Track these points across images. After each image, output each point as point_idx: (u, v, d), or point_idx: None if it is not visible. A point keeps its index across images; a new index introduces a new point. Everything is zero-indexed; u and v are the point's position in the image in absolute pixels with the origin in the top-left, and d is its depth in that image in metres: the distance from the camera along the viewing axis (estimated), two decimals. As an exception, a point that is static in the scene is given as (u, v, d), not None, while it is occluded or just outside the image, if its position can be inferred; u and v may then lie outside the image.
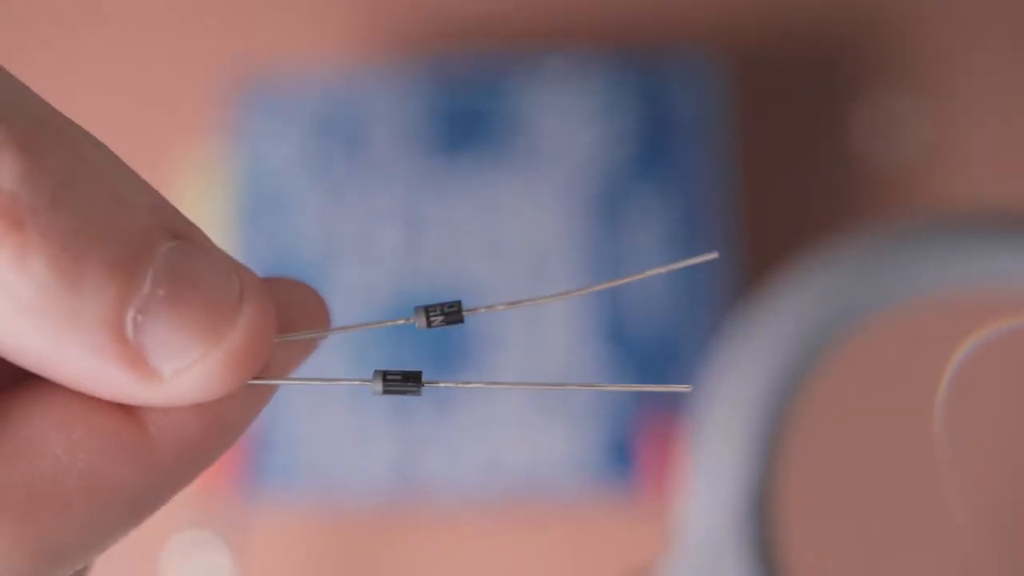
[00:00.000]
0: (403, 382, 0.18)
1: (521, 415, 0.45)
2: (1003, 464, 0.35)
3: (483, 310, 0.19)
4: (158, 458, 0.16)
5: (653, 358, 0.45)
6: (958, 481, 0.33)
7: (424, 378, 0.18)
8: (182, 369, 0.16)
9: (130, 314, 0.16)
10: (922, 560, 0.34)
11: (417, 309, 0.18)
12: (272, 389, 0.18)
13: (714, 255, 0.19)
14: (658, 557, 0.33)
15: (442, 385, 0.18)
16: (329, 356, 0.46)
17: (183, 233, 0.17)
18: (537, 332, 0.46)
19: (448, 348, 0.46)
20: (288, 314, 0.18)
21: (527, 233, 0.47)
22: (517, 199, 0.47)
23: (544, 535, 0.46)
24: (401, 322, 0.19)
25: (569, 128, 0.48)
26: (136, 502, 0.16)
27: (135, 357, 0.16)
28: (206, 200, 0.49)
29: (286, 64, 0.50)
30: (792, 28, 0.50)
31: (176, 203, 0.17)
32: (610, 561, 0.43)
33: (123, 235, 0.16)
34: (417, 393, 0.18)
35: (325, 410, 0.46)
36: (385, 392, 0.18)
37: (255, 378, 0.17)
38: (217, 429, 0.17)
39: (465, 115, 0.48)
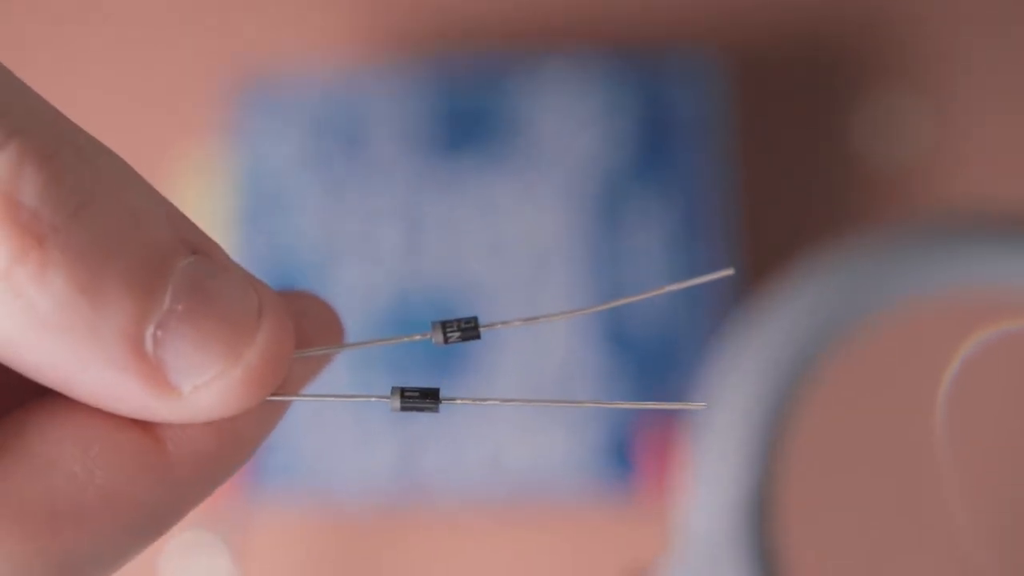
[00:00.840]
0: (421, 399, 0.18)
1: (521, 416, 0.45)
2: (1003, 465, 0.35)
3: (500, 325, 0.19)
4: (175, 474, 0.16)
5: (654, 359, 0.45)
6: (958, 482, 0.33)
7: (441, 394, 0.18)
8: (201, 386, 0.16)
9: (149, 330, 0.16)
10: (922, 560, 0.34)
11: (434, 324, 0.18)
12: (288, 404, 0.18)
13: (730, 271, 0.19)
14: (658, 558, 0.33)
15: (460, 402, 0.18)
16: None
17: (201, 248, 0.17)
18: (538, 333, 0.46)
19: (449, 349, 0.46)
20: (303, 328, 0.18)
21: (527, 233, 0.47)
22: (517, 199, 0.47)
23: (544, 536, 0.46)
24: (418, 338, 0.18)
25: (569, 128, 0.48)
26: (153, 518, 0.16)
27: (154, 373, 0.16)
28: (206, 200, 0.49)
29: (286, 64, 0.50)
30: (792, 28, 0.50)
31: (178, 204, 0.17)
32: (610, 562, 0.43)
33: (142, 251, 0.16)
34: (435, 410, 0.18)
35: (326, 411, 0.46)
36: (403, 409, 0.18)
37: (273, 394, 0.17)
38: (233, 444, 0.17)
39: (465, 115, 0.48)
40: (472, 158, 0.48)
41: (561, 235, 0.47)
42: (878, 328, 0.33)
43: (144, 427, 0.16)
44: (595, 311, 0.20)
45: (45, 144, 0.15)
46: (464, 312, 0.46)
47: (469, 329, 0.18)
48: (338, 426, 0.45)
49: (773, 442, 0.32)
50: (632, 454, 0.45)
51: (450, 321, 0.18)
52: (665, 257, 0.46)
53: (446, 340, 0.18)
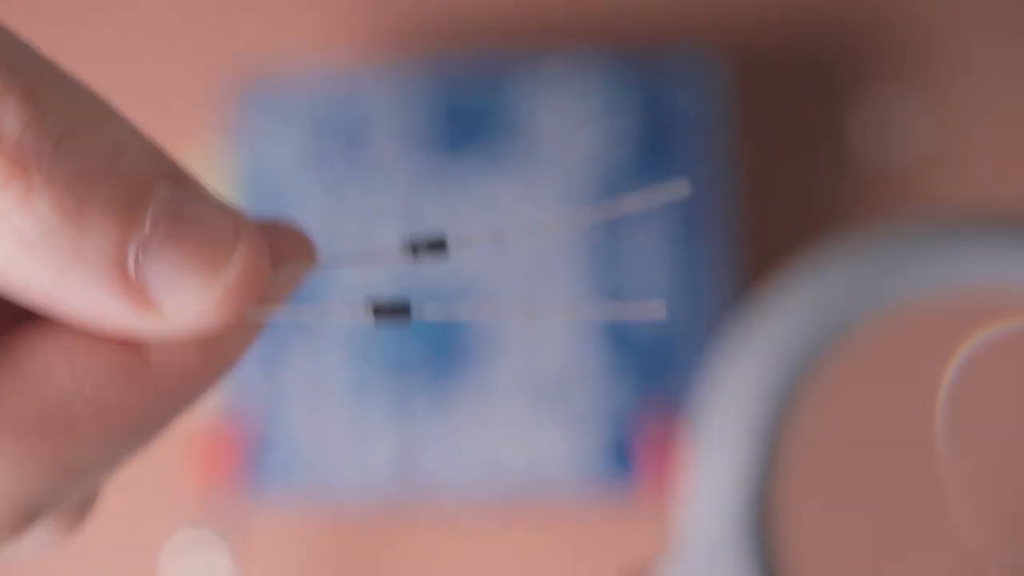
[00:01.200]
0: (392, 313, 0.18)
1: (520, 415, 0.45)
2: (1004, 464, 0.35)
3: (470, 245, 0.19)
4: (160, 384, 0.17)
5: (652, 357, 0.45)
6: (959, 481, 0.33)
7: (415, 314, 0.18)
8: (181, 303, 0.17)
9: (131, 252, 0.17)
10: (923, 560, 0.34)
11: (403, 243, 0.18)
12: (264, 320, 0.19)
13: (685, 190, 0.19)
14: (657, 557, 0.33)
15: (429, 317, 0.19)
16: (329, 355, 0.46)
17: (180, 178, 0.17)
18: (538, 331, 0.46)
19: (448, 347, 0.46)
20: (279, 253, 0.19)
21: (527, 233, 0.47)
22: (517, 199, 0.47)
23: (543, 535, 0.46)
24: (392, 259, 0.19)
25: (569, 128, 0.48)
26: (141, 425, 0.17)
27: (137, 292, 0.17)
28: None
29: (286, 64, 0.50)
30: (792, 28, 0.50)
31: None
32: (609, 561, 0.43)
33: (123, 179, 0.17)
34: (407, 326, 0.18)
35: (325, 409, 0.46)
36: (376, 322, 0.19)
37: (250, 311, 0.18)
38: (214, 357, 0.18)
39: (465, 115, 0.48)
40: (472, 158, 0.48)
41: (561, 235, 0.47)
42: (878, 327, 0.33)
43: (128, 345, 0.17)
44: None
45: (27, 79, 0.16)
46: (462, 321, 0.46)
47: (438, 246, 0.18)
48: (337, 425, 0.45)
49: (773, 441, 0.32)
50: (631, 453, 0.45)
51: (418, 239, 0.18)
52: (665, 257, 0.46)
53: (415, 255, 0.18)
